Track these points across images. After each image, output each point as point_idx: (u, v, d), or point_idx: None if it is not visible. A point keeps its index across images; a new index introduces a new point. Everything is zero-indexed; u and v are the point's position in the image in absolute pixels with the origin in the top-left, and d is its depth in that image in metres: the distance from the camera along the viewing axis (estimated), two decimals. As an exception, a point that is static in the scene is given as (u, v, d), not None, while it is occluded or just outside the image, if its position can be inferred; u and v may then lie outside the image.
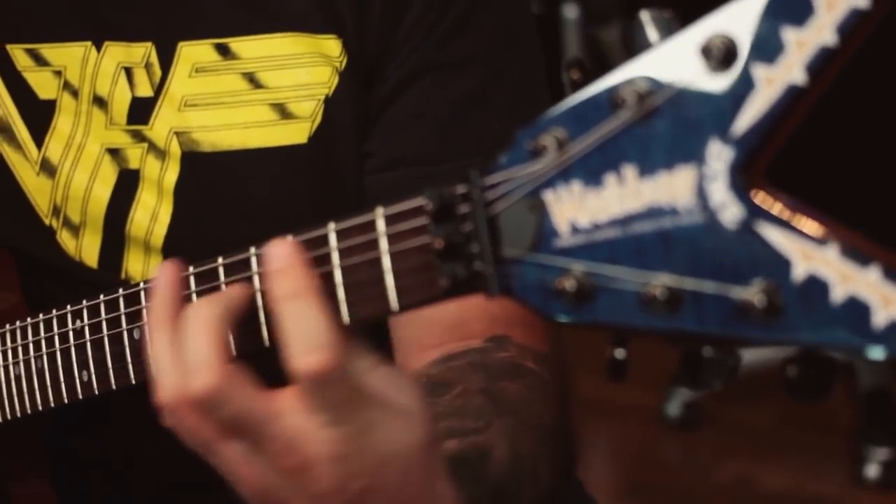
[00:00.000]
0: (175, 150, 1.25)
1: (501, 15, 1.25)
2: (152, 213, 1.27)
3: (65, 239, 1.30)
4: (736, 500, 2.99)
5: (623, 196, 0.74)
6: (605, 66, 3.68)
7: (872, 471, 2.96)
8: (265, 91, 1.24)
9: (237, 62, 1.24)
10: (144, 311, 1.05)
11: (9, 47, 1.28)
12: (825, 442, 3.13)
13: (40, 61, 1.28)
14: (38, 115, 1.29)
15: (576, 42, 3.23)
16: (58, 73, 1.27)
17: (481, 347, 1.21)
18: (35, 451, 1.32)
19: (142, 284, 1.05)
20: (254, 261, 0.93)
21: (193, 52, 1.25)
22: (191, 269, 0.99)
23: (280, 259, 0.85)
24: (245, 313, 0.91)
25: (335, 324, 0.83)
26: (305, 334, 0.83)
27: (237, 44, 1.25)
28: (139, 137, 1.26)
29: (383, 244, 0.84)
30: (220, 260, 0.96)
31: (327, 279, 0.87)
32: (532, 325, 1.25)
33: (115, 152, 1.27)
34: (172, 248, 1.27)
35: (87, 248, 1.29)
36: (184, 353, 0.88)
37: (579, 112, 0.75)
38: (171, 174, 1.26)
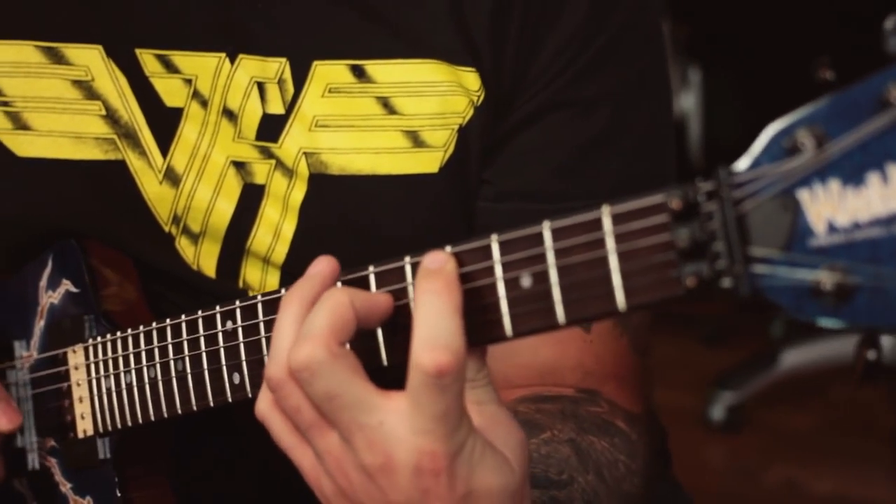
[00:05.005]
0: (303, 170, 1.23)
1: (636, 58, 1.23)
2: (275, 230, 1.24)
3: (183, 246, 1.27)
4: (784, 504, 3.00)
5: (887, 196, 0.73)
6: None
7: (921, 476, 2.97)
8: (399, 117, 1.22)
9: (372, 85, 1.22)
10: None
11: (138, 51, 1.25)
12: (870, 446, 3.13)
13: (171, 68, 1.24)
14: (165, 123, 1.25)
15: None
16: (188, 82, 1.24)
17: (573, 397, 1.20)
18: (157, 456, 1.29)
19: None
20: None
21: (328, 72, 1.22)
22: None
23: (435, 262, 0.88)
24: (382, 323, 0.93)
25: (466, 345, 0.86)
26: (436, 331, 0.85)
27: (373, 67, 1.22)
28: (267, 154, 1.24)
29: (610, 243, 0.83)
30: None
31: (540, 279, 0.87)
32: (626, 383, 1.24)
33: (240, 165, 1.24)
34: (293, 265, 1.24)
35: (206, 257, 1.27)
36: (302, 327, 0.90)
37: (840, 110, 0.74)
38: (298, 193, 1.23)
